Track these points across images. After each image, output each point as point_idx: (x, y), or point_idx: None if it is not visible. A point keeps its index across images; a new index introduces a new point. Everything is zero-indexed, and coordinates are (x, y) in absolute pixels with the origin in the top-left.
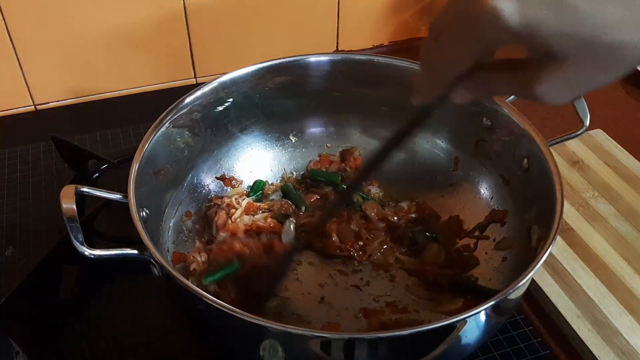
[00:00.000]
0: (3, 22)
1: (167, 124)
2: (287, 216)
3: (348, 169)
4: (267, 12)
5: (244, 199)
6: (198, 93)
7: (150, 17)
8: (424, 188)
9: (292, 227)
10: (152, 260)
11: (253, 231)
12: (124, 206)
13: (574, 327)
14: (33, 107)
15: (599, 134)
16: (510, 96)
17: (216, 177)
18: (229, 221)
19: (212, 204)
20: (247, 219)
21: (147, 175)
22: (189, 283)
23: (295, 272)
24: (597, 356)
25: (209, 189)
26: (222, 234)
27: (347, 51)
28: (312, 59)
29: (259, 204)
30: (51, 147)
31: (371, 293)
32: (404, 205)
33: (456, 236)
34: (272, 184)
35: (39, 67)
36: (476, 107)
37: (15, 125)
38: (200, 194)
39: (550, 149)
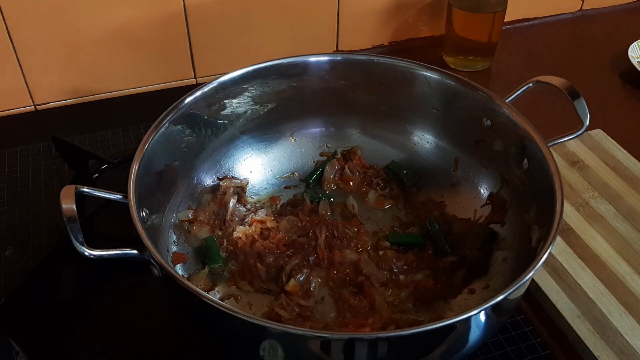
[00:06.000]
0: (3, 22)
1: (167, 124)
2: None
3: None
4: (267, 12)
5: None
6: (198, 93)
7: (150, 17)
8: (424, 188)
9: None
10: (152, 260)
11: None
12: (124, 206)
13: (574, 327)
14: (33, 107)
15: (599, 134)
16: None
17: (217, 178)
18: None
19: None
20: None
21: (147, 175)
22: (189, 283)
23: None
24: (597, 356)
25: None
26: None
27: (347, 51)
28: (312, 59)
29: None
30: (51, 147)
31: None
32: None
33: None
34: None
35: (39, 67)
36: (476, 107)
37: (15, 125)
38: (201, 194)
39: (550, 149)
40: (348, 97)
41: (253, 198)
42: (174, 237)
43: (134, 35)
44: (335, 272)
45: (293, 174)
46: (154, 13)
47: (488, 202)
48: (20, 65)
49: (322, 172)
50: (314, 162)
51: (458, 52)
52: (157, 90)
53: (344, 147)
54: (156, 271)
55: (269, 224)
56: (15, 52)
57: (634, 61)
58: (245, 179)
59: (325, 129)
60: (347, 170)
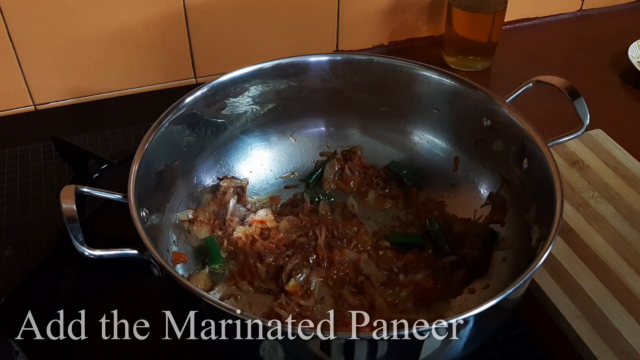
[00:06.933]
0: (3, 22)
1: (167, 124)
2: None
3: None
4: (267, 12)
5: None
6: (198, 93)
7: (150, 17)
8: (424, 188)
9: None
10: (152, 260)
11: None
12: (124, 206)
13: (574, 327)
14: (33, 107)
15: (599, 134)
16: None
17: (217, 177)
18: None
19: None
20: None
21: (147, 175)
22: (189, 283)
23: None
24: (597, 356)
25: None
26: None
27: (347, 51)
28: (312, 59)
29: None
30: (51, 147)
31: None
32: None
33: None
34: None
35: (39, 67)
36: (476, 107)
37: (15, 125)
38: (201, 194)
39: (550, 149)
40: (348, 97)
41: (253, 198)
42: (174, 237)
43: (134, 35)
44: (335, 272)
45: (293, 174)
46: (154, 13)
47: (488, 202)
48: (20, 65)
49: (322, 172)
50: (314, 162)
51: (458, 52)
52: (157, 90)
53: (344, 147)
54: (156, 271)
55: (269, 224)
56: (15, 52)
57: (634, 61)
58: (245, 179)
59: (325, 129)
60: (347, 170)
